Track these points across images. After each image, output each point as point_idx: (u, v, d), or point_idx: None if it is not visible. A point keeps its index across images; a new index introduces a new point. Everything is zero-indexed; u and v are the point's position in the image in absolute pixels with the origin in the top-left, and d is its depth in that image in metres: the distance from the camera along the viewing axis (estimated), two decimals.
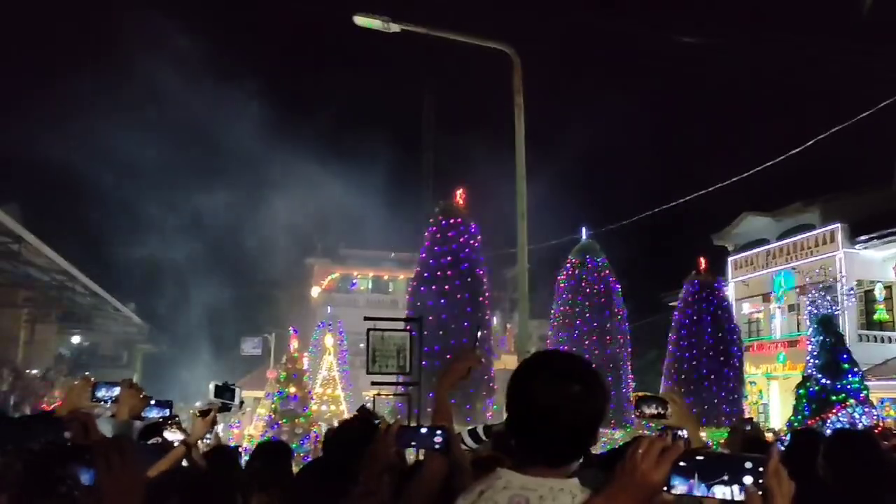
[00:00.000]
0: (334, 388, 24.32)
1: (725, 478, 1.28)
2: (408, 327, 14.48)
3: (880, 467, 2.90)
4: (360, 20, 10.78)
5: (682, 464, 1.31)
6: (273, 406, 19.17)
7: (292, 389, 18.66)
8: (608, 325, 19.61)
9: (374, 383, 11.93)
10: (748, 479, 1.27)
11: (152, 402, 2.95)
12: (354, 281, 45.27)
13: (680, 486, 1.29)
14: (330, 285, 44.26)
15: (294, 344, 20.34)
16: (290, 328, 21.96)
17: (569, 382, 1.71)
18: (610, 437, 16.33)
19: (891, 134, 11.55)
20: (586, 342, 19.40)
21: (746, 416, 18.11)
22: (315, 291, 44.24)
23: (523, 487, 1.70)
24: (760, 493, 1.26)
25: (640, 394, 3.16)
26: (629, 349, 20.02)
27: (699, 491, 1.28)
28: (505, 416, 1.90)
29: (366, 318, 11.57)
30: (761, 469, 1.26)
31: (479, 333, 5.45)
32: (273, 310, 43.69)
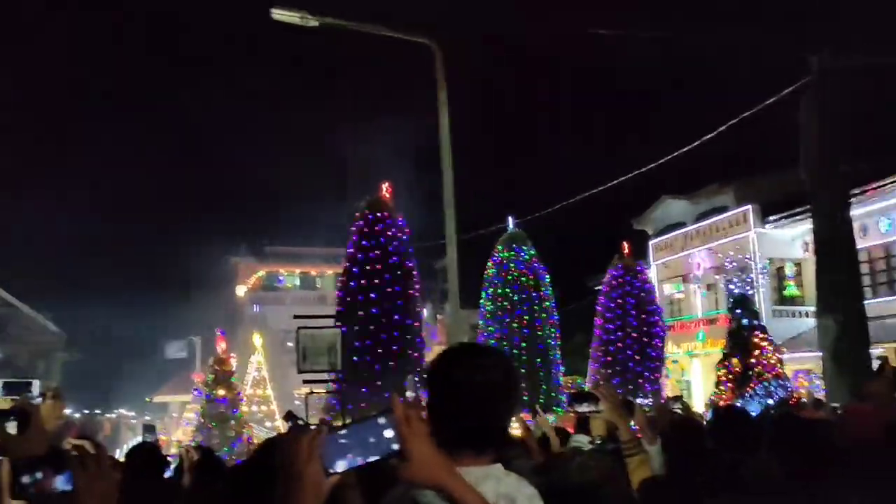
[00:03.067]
0: (264, 389, 23.96)
1: (372, 440, 1.32)
2: (338, 324, 14.39)
3: (827, 456, 3.02)
4: (278, 14, 10.58)
5: (341, 442, 1.32)
6: (201, 410, 18.73)
7: (221, 392, 18.28)
8: (537, 312, 19.90)
9: (305, 382, 11.84)
10: (389, 433, 1.32)
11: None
12: (281, 278, 44.58)
13: (340, 464, 1.31)
14: (256, 284, 43.46)
15: (221, 345, 19.90)
16: (217, 329, 21.47)
17: (490, 371, 1.74)
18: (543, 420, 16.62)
19: (797, 116, 12.10)
20: (516, 329, 19.65)
21: (671, 394, 18.72)
22: (241, 290, 43.40)
23: None
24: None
25: (573, 391, 3.25)
26: (558, 334, 20.39)
27: (351, 462, 1.31)
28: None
29: (295, 317, 11.45)
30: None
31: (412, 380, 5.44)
32: (198, 311, 42.57)
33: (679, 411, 5.41)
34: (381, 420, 1.35)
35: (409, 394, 13.43)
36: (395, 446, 1.34)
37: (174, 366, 41.85)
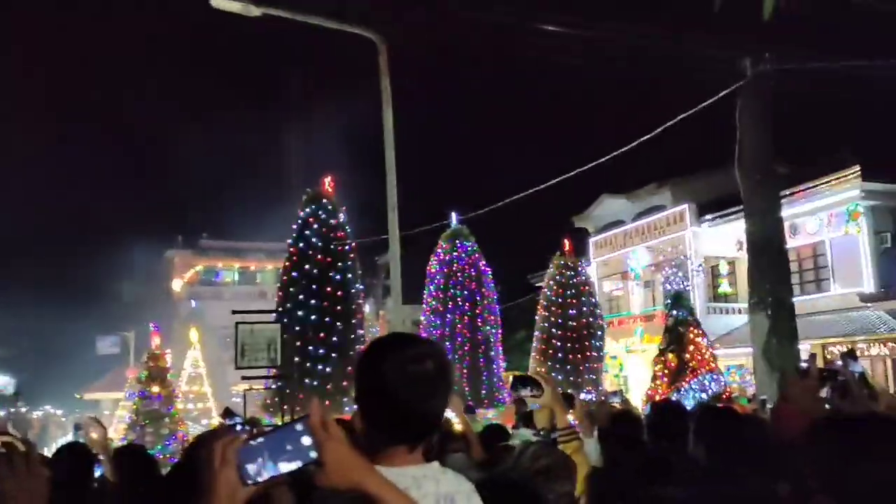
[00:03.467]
0: (201, 385, 23.49)
1: (289, 448, 1.29)
2: (278, 319, 14.20)
3: (749, 446, 3.09)
4: (218, 2, 10.34)
5: (258, 449, 1.28)
6: (134, 407, 18.26)
7: (155, 388, 17.84)
8: (479, 308, 20.01)
9: (244, 378, 11.65)
10: (307, 440, 1.29)
11: None
12: (220, 273, 43.77)
13: (260, 473, 1.27)
14: (193, 278, 42.57)
15: (155, 340, 19.41)
16: (151, 324, 20.93)
17: (421, 363, 1.68)
18: (483, 416, 16.73)
19: (732, 119, 12.45)
20: (459, 325, 19.72)
21: (610, 389, 19.06)
22: (177, 285, 42.44)
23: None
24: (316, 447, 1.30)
25: (516, 373, 3.26)
26: (500, 330, 20.55)
27: (269, 471, 1.27)
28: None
29: (234, 312, 11.24)
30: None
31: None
32: (131, 306, 41.48)
33: (618, 405, 5.51)
34: (299, 427, 1.31)
35: None
36: (314, 454, 1.29)
37: (106, 362, 40.64)
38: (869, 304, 20.20)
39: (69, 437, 25.42)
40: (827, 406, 2.63)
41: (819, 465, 1.74)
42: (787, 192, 19.13)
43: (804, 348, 16.19)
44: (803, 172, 21.41)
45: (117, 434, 19.87)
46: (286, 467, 1.28)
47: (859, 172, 20.24)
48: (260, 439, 1.29)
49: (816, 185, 21.41)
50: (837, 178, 20.87)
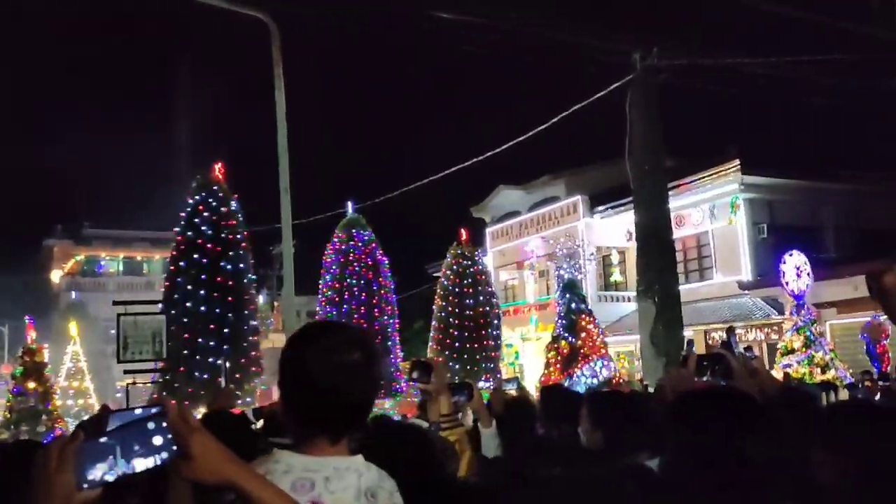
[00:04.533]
0: (82, 381, 22.31)
1: (138, 448, 1.22)
2: (164, 310, 13.61)
3: (632, 426, 3.15)
4: None
5: (102, 449, 1.20)
6: (8, 404, 17.16)
7: (31, 385, 16.79)
8: (376, 298, 19.87)
9: (127, 372, 11.10)
10: (158, 440, 1.24)
11: None
12: (102, 263, 41.65)
13: (103, 475, 1.18)
14: (74, 269, 40.34)
15: (31, 334, 18.26)
16: (26, 318, 19.68)
17: (347, 352, 1.64)
18: (381, 407, 16.65)
19: (623, 112, 12.86)
20: (355, 316, 19.51)
21: (505, 377, 19.37)
22: (56, 276, 40.13)
23: (306, 469, 1.59)
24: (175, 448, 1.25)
25: (413, 360, 3.28)
26: (397, 320, 20.48)
27: (122, 468, 1.20)
28: (276, 394, 1.76)
29: (115, 303, 10.67)
30: (164, 424, 1.25)
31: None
32: (6, 298, 38.91)
33: (514, 392, 5.54)
34: (150, 425, 1.22)
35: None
36: (164, 455, 1.21)
37: None
38: (747, 292, 21.37)
39: None
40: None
41: (680, 437, 1.89)
42: (674, 185, 19.93)
43: (688, 334, 16.96)
44: (689, 165, 22.40)
45: None
46: (142, 464, 1.20)
47: (739, 166, 21.31)
48: (104, 439, 1.20)
49: (700, 178, 22.41)
50: (719, 172, 21.91)
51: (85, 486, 1.16)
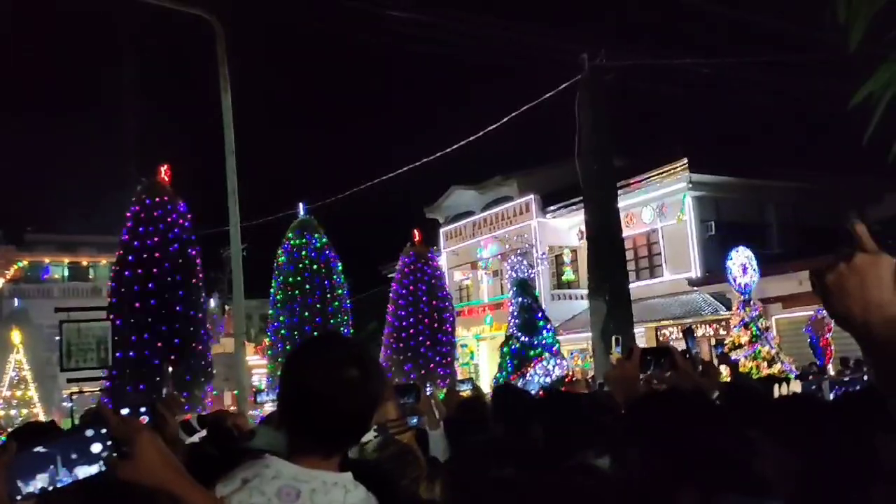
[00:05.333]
0: (26, 390, 21.64)
1: (75, 456, 1.21)
2: (110, 316, 13.27)
3: (582, 425, 3.15)
4: None
5: (38, 459, 1.18)
6: None
7: None
8: (329, 301, 19.69)
9: (70, 380, 10.78)
10: (97, 447, 1.23)
11: None
12: (47, 268, 40.48)
13: (40, 482, 1.15)
14: (16, 275, 39.09)
15: None
16: None
17: (346, 368, 1.64)
18: None
19: (573, 112, 12.99)
20: (308, 318, 19.31)
21: (461, 377, 19.38)
22: None
23: (294, 478, 1.59)
24: (116, 455, 1.25)
25: (396, 382, 3.29)
26: (351, 322, 20.33)
27: (64, 477, 1.18)
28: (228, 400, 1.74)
29: (57, 310, 10.35)
30: (104, 431, 1.23)
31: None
32: None
33: (468, 393, 5.53)
34: (89, 433, 1.20)
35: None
36: (101, 465, 1.20)
37: None
38: (696, 288, 21.77)
39: None
40: (654, 381, 2.72)
41: (632, 437, 1.95)
42: (623, 184, 20.18)
43: (639, 331, 17.19)
44: (638, 165, 22.72)
45: None
46: (85, 472, 1.19)
47: (687, 164, 21.69)
48: (40, 448, 1.17)
49: (649, 177, 22.75)
50: (667, 171, 22.27)
51: (19, 497, 1.13)
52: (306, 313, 19.46)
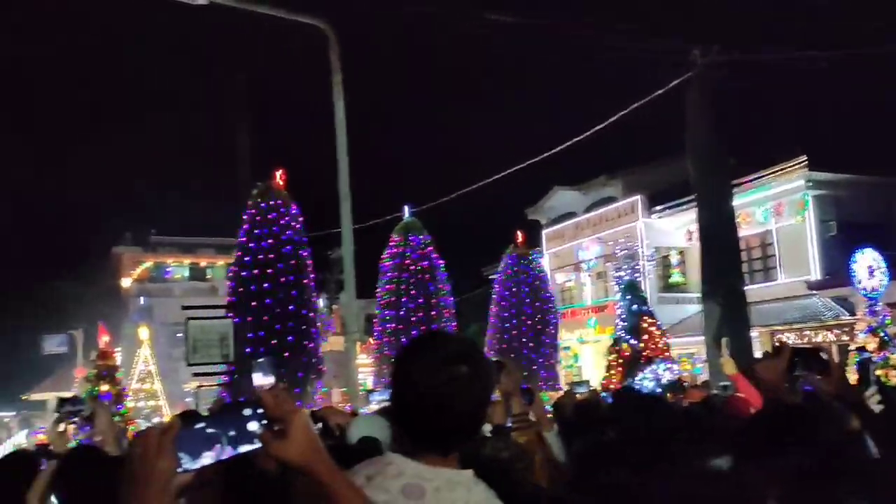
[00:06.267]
0: (152, 383, 22.98)
1: (233, 434, 1.25)
2: (230, 314, 13.92)
3: (701, 430, 3.11)
4: None
5: (198, 435, 1.23)
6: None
7: (104, 387, 17.34)
8: (433, 301, 19.95)
9: (195, 375, 11.39)
10: (253, 426, 1.26)
11: None
12: (169, 269, 42.91)
13: (200, 460, 1.22)
14: (142, 275, 41.66)
15: (104, 338, 18.88)
16: (99, 322, 20.37)
17: (454, 365, 1.63)
18: None
19: (681, 109, 12.63)
20: (413, 319, 19.63)
21: (575, 379, 19.20)
22: (126, 282, 41.49)
23: (418, 476, 1.60)
24: (274, 430, 1.28)
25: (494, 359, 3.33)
26: (454, 323, 20.52)
27: (223, 452, 1.23)
28: (336, 397, 1.81)
29: (184, 307, 10.98)
30: (260, 411, 1.27)
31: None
32: (79, 304, 40.35)
33: (584, 395, 5.50)
34: (247, 412, 1.26)
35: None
36: (258, 443, 1.25)
37: (53, 361, 39.54)
38: (815, 292, 20.72)
39: (16, 438, 24.65)
40: (801, 382, 2.65)
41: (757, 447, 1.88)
42: (735, 183, 19.49)
43: (753, 335, 16.50)
44: (752, 163, 21.84)
45: (66, 434, 19.30)
46: (244, 449, 1.24)
47: (806, 162, 20.71)
48: (201, 424, 1.23)
49: (764, 176, 21.85)
50: (784, 169, 21.32)
51: (187, 465, 1.20)
52: (411, 313, 19.80)
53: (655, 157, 26.21)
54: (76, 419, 3.72)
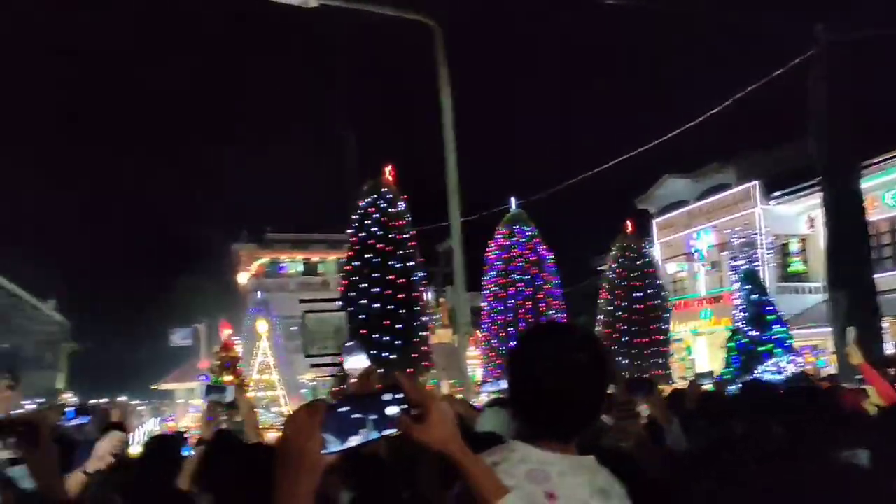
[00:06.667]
0: (271, 374, 23.99)
1: (374, 417, 1.28)
2: (342, 307, 14.34)
3: (830, 422, 3.00)
4: None
5: (342, 418, 1.26)
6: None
7: (228, 378, 18.26)
8: (541, 293, 19.85)
9: (313, 366, 11.80)
10: (392, 410, 1.28)
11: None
12: (283, 265, 44.57)
13: (348, 440, 1.25)
14: (259, 271, 43.47)
15: (226, 332, 19.87)
16: (220, 317, 21.47)
17: (573, 353, 1.64)
18: None
19: (802, 91, 11.98)
20: (521, 311, 19.60)
21: (679, 374, 18.72)
22: (243, 278, 43.41)
23: (541, 462, 1.62)
24: (413, 415, 1.31)
25: (626, 377, 3.33)
26: (563, 315, 20.34)
27: (369, 436, 1.27)
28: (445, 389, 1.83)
29: (301, 301, 11.39)
30: (400, 395, 1.30)
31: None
32: (201, 299, 42.62)
33: (709, 386, 5.35)
34: (386, 396, 1.30)
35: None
36: (395, 429, 1.30)
37: (179, 353, 41.96)
38: None
39: (148, 425, 26.28)
40: None
41: None
42: (864, 164, 18.36)
43: (884, 327, 15.51)
44: (879, 144, 20.47)
45: (193, 422, 20.45)
46: (370, 435, 1.28)
47: None
48: (345, 408, 1.28)
49: (893, 157, 20.48)
50: None
51: (332, 448, 1.24)
52: (519, 305, 19.77)
53: (772, 141, 25.04)
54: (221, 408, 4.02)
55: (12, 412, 2.95)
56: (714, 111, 12.67)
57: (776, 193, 24.26)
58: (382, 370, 15.08)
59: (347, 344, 5.67)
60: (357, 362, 5.81)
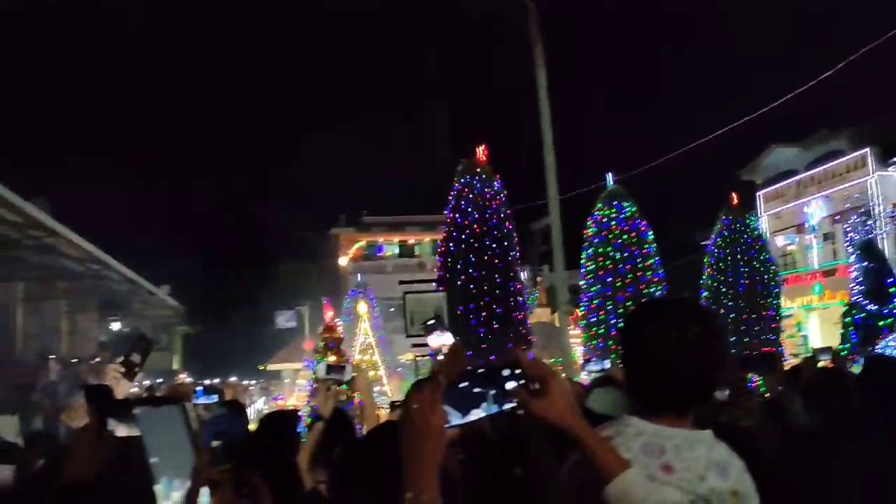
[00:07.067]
0: (371, 355, 24.50)
1: (493, 392, 1.30)
2: (441, 287, 14.49)
3: None
4: None
5: (463, 393, 1.28)
6: (313, 376, 19.30)
7: (332, 358, 18.77)
8: (641, 270, 19.40)
9: (415, 345, 12.00)
10: (511, 384, 1.31)
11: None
12: (381, 247, 45.39)
13: (473, 416, 1.28)
14: (357, 254, 44.46)
15: (329, 314, 20.41)
16: (323, 299, 22.05)
17: (685, 326, 1.64)
18: None
19: None
20: (620, 288, 19.23)
21: (790, 351, 17.98)
22: (343, 261, 44.48)
23: (656, 435, 1.63)
24: (531, 389, 1.34)
25: (746, 354, 3.28)
26: (665, 291, 19.83)
27: (489, 409, 1.29)
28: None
29: (401, 283, 11.61)
30: (518, 371, 1.33)
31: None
32: (304, 283, 44.06)
33: (828, 362, 5.12)
34: (505, 372, 1.34)
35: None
36: (514, 402, 1.34)
37: (284, 335, 43.52)
38: None
39: (258, 404, 27.45)
40: None
41: None
42: None
43: None
44: None
45: (299, 401, 21.18)
46: (507, 406, 1.33)
47: None
48: (465, 383, 1.31)
49: None
50: None
51: (456, 422, 1.29)
52: (618, 283, 19.40)
53: (886, 104, 23.50)
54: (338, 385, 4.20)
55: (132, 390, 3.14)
56: (826, 74, 11.99)
57: (893, 160, 22.81)
58: (471, 351, 15.24)
59: (429, 322, 5.77)
60: (441, 339, 5.90)
